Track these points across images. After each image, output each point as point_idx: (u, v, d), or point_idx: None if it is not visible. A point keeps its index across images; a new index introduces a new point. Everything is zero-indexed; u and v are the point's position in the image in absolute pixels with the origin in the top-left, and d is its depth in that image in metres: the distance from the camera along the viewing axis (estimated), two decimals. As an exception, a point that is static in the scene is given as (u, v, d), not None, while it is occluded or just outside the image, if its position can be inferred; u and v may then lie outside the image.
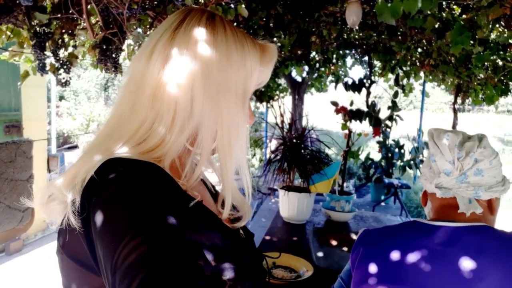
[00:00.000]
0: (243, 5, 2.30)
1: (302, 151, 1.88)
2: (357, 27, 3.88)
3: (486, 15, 1.90)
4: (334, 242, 1.73)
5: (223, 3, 2.05)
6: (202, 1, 2.09)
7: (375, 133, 3.94)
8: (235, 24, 2.80)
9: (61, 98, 14.33)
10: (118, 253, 0.45)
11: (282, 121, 1.91)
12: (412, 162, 5.27)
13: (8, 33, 1.56)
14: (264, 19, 2.94)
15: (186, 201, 0.58)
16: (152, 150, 0.60)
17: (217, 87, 0.62)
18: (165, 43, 0.62)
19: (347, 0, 2.48)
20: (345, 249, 1.65)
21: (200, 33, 0.63)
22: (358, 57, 5.43)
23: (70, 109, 13.47)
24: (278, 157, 1.88)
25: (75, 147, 12.19)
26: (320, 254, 1.57)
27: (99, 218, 0.49)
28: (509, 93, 2.45)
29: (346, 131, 2.45)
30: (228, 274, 0.56)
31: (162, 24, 0.66)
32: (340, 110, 3.17)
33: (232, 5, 2.11)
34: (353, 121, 4.26)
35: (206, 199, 0.72)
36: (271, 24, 3.12)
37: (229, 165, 0.65)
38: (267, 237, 1.79)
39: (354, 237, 1.73)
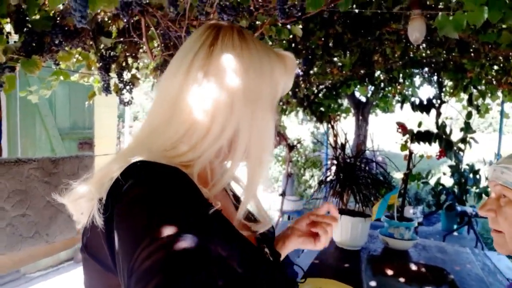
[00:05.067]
0: (300, 26, 2.30)
1: (358, 172, 1.79)
2: (424, 45, 3.69)
3: None
4: (390, 272, 1.59)
5: (279, 24, 2.06)
6: (258, 22, 2.12)
7: (440, 155, 3.65)
8: (292, 45, 2.80)
9: (135, 118, 15.39)
10: (135, 257, 0.46)
11: (335, 141, 1.84)
12: (488, 189, 4.80)
13: (78, 56, 1.70)
14: (323, 38, 2.91)
15: (205, 209, 0.58)
16: (182, 155, 0.63)
17: (254, 97, 0.66)
18: (202, 59, 0.66)
19: (410, 16, 2.37)
20: (401, 280, 1.51)
21: (236, 48, 0.67)
22: (426, 76, 5.17)
23: (142, 128, 14.43)
24: (331, 177, 1.80)
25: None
26: (373, 283, 1.45)
27: (120, 219, 0.51)
28: None
29: (407, 152, 2.29)
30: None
31: (193, 40, 0.69)
32: (400, 128, 3.00)
33: (288, 26, 2.12)
34: (421, 143, 4.01)
35: (228, 210, 0.73)
36: (330, 44, 3.08)
37: (258, 173, 0.67)
38: (316, 261, 1.70)
39: (414, 267, 1.58)
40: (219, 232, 0.59)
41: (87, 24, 1.04)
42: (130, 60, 1.95)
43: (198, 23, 1.95)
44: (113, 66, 1.86)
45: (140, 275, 0.45)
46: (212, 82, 0.65)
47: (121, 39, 1.69)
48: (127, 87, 1.88)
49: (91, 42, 1.62)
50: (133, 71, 2.01)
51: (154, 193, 0.52)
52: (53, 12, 1.41)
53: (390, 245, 1.89)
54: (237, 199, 0.82)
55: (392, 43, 3.45)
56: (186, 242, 0.48)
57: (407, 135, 2.88)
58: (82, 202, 0.60)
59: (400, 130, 2.87)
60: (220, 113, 0.64)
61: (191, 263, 0.47)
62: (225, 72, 0.65)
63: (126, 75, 1.92)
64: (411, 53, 4.19)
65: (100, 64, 1.73)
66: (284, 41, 2.62)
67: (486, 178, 5.13)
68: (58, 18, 1.43)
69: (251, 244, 0.68)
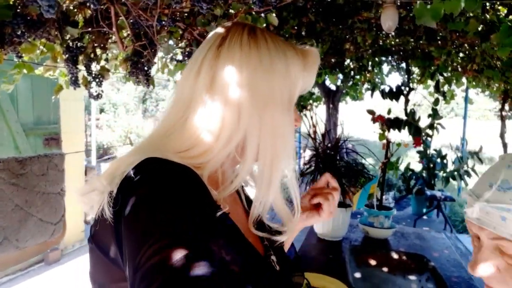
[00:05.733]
0: (274, 14, 2.26)
1: (337, 162, 1.79)
2: (393, 33, 3.75)
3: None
4: (373, 262, 1.60)
5: (253, 13, 2.02)
6: (232, 11, 2.07)
7: (416, 143, 3.76)
8: (266, 33, 2.77)
9: (101, 110, 14.92)
10: (141, 253, 0.47)
11: (315, 132, 1.83)
12: (455, 173, 4.98)
13: (42, 47, 1.60)
14: (296, 27, 2.89)
15: (213, 210, 0.58)
16: (194, 157, 0.62)
17: (263, 99, 0.64)
18: (210, 61, 0.66)
19: (383, 4, 2.38)
20: (385, 269, 1.53)
21: (244, 47, 0.65)
22: (395, 63, 5.27)
23: (109, 121, 13.99)
24: (311, 168, 1.79)
25: (114, 158, 12.59)
26: (358, 275, 1.46)
27: (128, 214, 0.51)
28: None
29: (384, 141, 2.32)
30: None
31: (206, 42, 0.69)
32: (377, 119, 3.04)
33: (262, 15, 2.08)
34: (391, 130, 4.09)
35: (237, 214, 0.72)
36: (303, 33, 3.07)
37: (267, 176, 0.64)
38: (299, 254, 1.69)
39: (395, 256, 1.61)
40: (224, 235, 0.58)
41: (54, 14, 0.96)
42: (98, 51, 1.86)
43: (170, 12, 1.88)
44: (81, 57, 1.76)
45: (145, 272, 0.46)
46: (219, 84, 0.64)
47: (89, 29, 1.60)
48: (97, 80, 1.79)
49: (56, 33, 1.51)
50: (102, 62, 1.91)
51: (163, 191, 0.52)
52: (13, 0, 1.31)
53: (370, 234, 1.92)
54: (250, 204, 0.80)
55: (363, 32, 3.48)
56: (191, 243, 0.48)
57: (384, 124, 2.93)
58: (93, 195, 0.60)
59: (378, 119, 2.91)
60: (227, 116, 0.63)
61: (194, 264, 0.47)
62: (232, 74, 0.63)
63: (95, 67, 1.82)
64: (381, 41, 4.25)
65: (67, 55, 1.63)
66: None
67: (453, 163, 5.33)
68: (20, 7, 1.33)
69: (256, 251, 0.66)
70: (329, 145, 1.85)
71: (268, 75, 0.64)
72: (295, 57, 0.69)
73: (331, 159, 1.79)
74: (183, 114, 0.65)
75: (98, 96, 1.82)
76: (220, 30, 0.69)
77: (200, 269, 0.48)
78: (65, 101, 3.77)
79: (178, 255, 0.47)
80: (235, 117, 0.63)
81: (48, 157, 1.52)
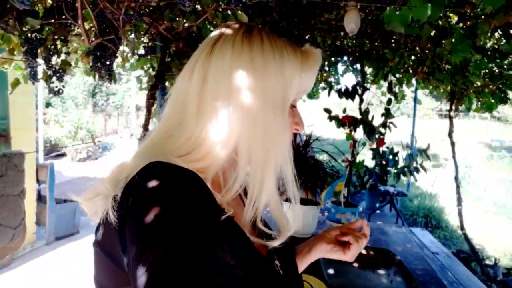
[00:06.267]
0: (240, 12, 2.25)
1: (307, 161, 1.83)
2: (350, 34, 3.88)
3: (489, 23, 1.88)
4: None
5: (221, 10, 2.01)
6: (200, 8, 2.04)
7: (379, 144, 3.95)
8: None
9: (48, 105, 14.09)
10: (146, 257, 0.47)
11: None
12: (406, 169, 5.26)
13: (-2, 39, 1.49)
14: (260, 26, 2.91)
15: (217, 214, 0.57)
16: (196, 161, 0.61)
17: (254, 98, 0.62)
18: (203, 60, 0.64)
19: (345, 7, 2.45)
20: (356, 265, 1.58)
21: (236, 46, 0.63)
22: (349, 64, 5.44)
23: (57, 116, 13.25)
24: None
25: (63, 155, 11.96)
26: (331, 271, 1.51)
27: (133, 218, 0.51)
28: (508, 101, 2.45)
29: (351, 141, 2.40)
30: None
31: (204, 41, 0.68)
32: (345, 119, 3.14)
33: (229, 12, 2.07)
34: (346, 128, 4.24)
35: (241, 218, 0.71)
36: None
37: (259, 179, 0.63)
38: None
39: (363, 251, 1.67)
40: (229, 239, 0.58)
41: (29, 5, 0.90)
42: (59, 44, 1.76)
43: (136, 6, 1.81)
44: (40, 50, 1.66)
45: (149, 277, 0.45)
46: (210, 84, 0.63)
47: (51, 20, 1.51)
48: (57, 75, 1.69)
49: (15, 23, 1.41)
50: (62, 56, 1.81)
51: (168, 195, 0.51)
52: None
53: (337, 230, 1.97)
54: None
55: (323, 32, 3.56)
56: (196, 248, 0.48)
57: (351, 124, 3.03)
58: (98, 200, 0.59)
59: (345, 120, 3.01)
60: (219, 117, 0.61)
61: (199, 269, 0.47)
62: (222, 72, 0.62)
63: (56, 61, 1.72)
64: (338, 42, 4.37)
65: (26, 48, 1.53)
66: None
67: (404, 160, 5.62)
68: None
69: (261, 254, 0.66)
70: (300, 144, 1.89)
71: (260, 74, 0.62)
72: (293, 58, 0.66)
73: (300, 158, 1.83)
74: (179, 116, 0.64)
75: (59, 92, 1.73)
76: (218, 29, 0.68)
77: (205, 273, 0.48)
78: (14, 95, 3.51)
79: (183, 260, 0.47)
80: (225, 118, 0.61)
81: (7, 157, 1.41)
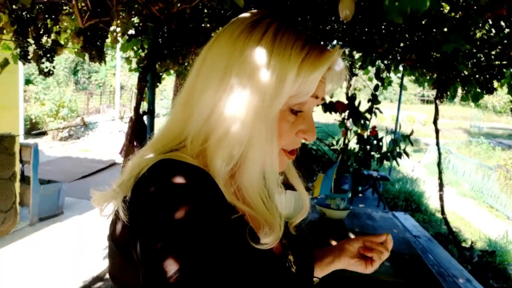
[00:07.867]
0: None
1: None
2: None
3: (483, 15, 1.91)
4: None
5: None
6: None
7: (372, 132, 4.02)
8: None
9: (28, 81, 13.67)
10: (156, 254, 0.47)
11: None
12: (389, 154, 5.35)
13: (-13, 17, 1.43)
14: (279, 17, 2.88)
15: (228, 212, 0.57)
16: (199, 156, 0.60)
17: (237, 97, 0.58)
18: (203, 51, 0.63)
19: (340, -7, 2.44)
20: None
21: (232, 35, 0.60)
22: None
23: (38, 93, 12.87)
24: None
25: (44, 133, 11.69)
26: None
27: (144, 216, 0.51)
28: (494, 92, 2.51)
29: (339, 128, 2.42)
30: None
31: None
32: (339, 106, 3.16)
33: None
34: (332, 113, 4.27)
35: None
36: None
37: (247, 177, 0.61)
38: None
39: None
40: (240, 237, 0.57)
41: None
42: (49, 24, 1.70)
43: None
44: (29, 30, 1.60)
45: (158, 272, 0.46)
46: (203, 72, 0.61)
47: (44, -1, 1.46)
48: (48, 55, 1.64)
49: (5, 1, 1.36)
50: (53, 36, 1.76)
51: (178, 193, 0.51)
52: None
53: (327, 215, 2.02)
54: None
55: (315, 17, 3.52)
56: (205, 245, 0.49)
57: (343, 112, 3.06)
58: (108, 201, 0.60)
59: (338, 107, 3.03)
60: (205, 111, 0.59)
61: (208, 266, 0.47)
62: (213, 62, 0.60)
63: (46, 41, 1.67)
64: (329, 26, 4.35)
65: (15, 27, 1.48)
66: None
67: (388, 145, 5.71)
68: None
69: (272, 252, 0.64)
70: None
71: (246, 70, 0.57)
72: (295, 57, 0.58)
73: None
74: (186, 109, 0.63)
75: (49, 73, 1.68)
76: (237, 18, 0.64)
77: (215, 271, 0.48)
78: (-3, 72, 3.39)
79: (192, 257, 0.47)
80: (208, 112, 0.59)
81: (-2, 139, 1.37)
